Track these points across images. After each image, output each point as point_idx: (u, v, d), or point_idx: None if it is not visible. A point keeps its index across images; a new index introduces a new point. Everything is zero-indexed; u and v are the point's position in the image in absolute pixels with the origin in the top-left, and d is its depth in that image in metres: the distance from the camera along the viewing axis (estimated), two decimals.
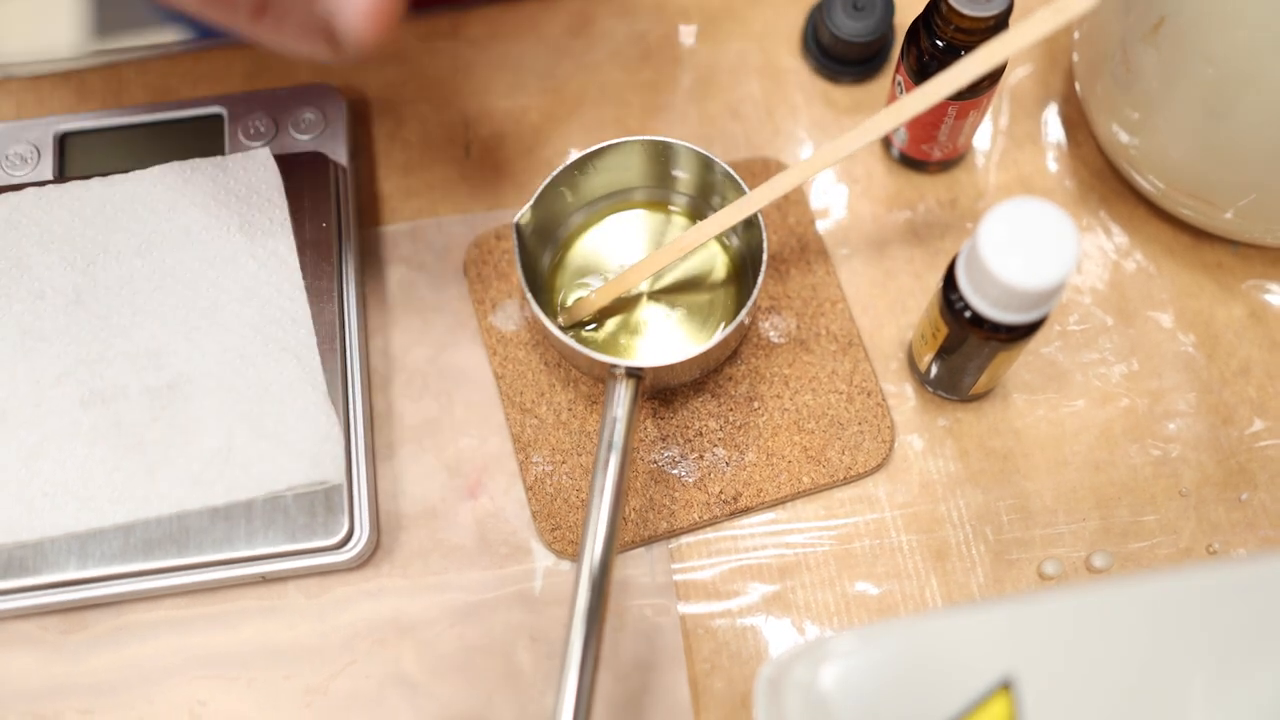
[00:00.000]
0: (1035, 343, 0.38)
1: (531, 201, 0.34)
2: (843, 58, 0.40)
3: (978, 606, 0.27)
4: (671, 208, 0.38)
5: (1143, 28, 0.33)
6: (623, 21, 0.42)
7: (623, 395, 0.32)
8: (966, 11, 0.32)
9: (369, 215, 0.40)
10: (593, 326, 0.37)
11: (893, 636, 0.26)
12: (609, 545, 0.30)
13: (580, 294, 0.37)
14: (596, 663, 0.29)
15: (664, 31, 0.42)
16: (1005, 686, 0.24)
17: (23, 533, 0.33)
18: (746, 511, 0.36)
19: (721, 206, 0.36)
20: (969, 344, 0.32)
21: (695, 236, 0.34)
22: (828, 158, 0.31)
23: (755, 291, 0.33)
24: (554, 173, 0.35)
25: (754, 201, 0.33)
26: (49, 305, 0.35)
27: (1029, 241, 0.28)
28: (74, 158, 0.39)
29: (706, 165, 0.35)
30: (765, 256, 0.33)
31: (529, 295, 0.33)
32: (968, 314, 0.31)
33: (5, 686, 0.33)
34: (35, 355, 0.34)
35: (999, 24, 0.33)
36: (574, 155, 0.35)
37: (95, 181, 0.37)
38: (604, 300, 0.35)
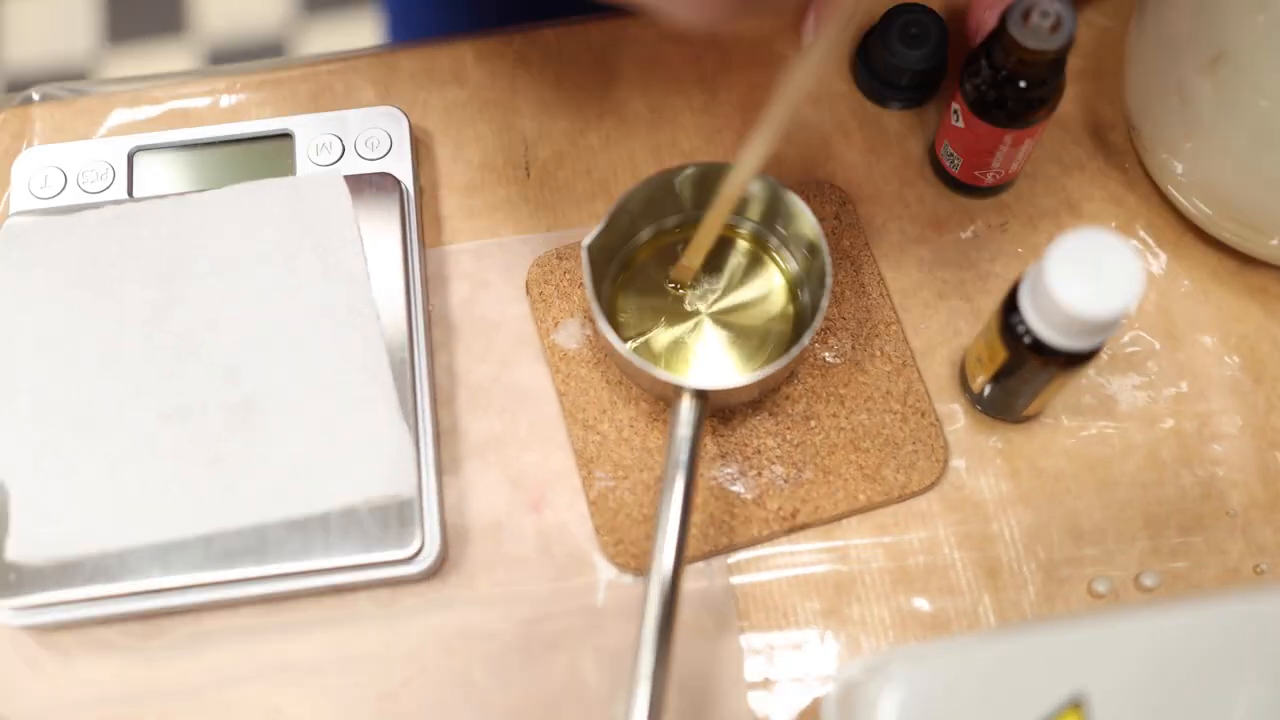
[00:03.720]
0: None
1: (602, 225, 0.35)
2: (895, 83, 0.41)
3: (1046, 626, 0.28)
4: (732, 230, 0.39)
5: (1200, 61, 0.34)
6: (677, 46, 0.43)
7: (689, 415, 0.33)
8: (1029, 45, 0.33)
9: (433, 235, 0.41)
10: (640, 341, 0.37)
11: (964, 654, 0.27)
12: (678, 561, 0.31)
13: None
14: (666, 676, 0.30)
15: (718, 55, 0.43)
16: (1076, 705, 0.25)
17: (107, 542, 0.34)
18: (804, 528, 0.37)
19: (785, 231, 0.37)
20: (1027, 368, 0.33)
21: (733, 186, 0.33)
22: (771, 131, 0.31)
23: (819, 315, 0.34)
24: (622, 196, 0.36)
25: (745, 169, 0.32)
26: (128, 322, 0.36)
27: (1094, 271, 0.29)
28: (147, 175, 0.40)
29: (770, 189, 0.36)
30: (829, 283, 0.34)
31: (600, 317, 0.34)
32: (1028, 339, 0.32)
33: (87, 690, 0.34)
34: (116, 371, 0.36)
35: (1060, 57, 0.34)
36: (639, 179, 0.36)
37: (171, 200, 0.38)
38: (696, 260, 0.36)
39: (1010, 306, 0.33)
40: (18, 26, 1.10)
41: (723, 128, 0.42)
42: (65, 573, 0.33)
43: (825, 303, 0.34)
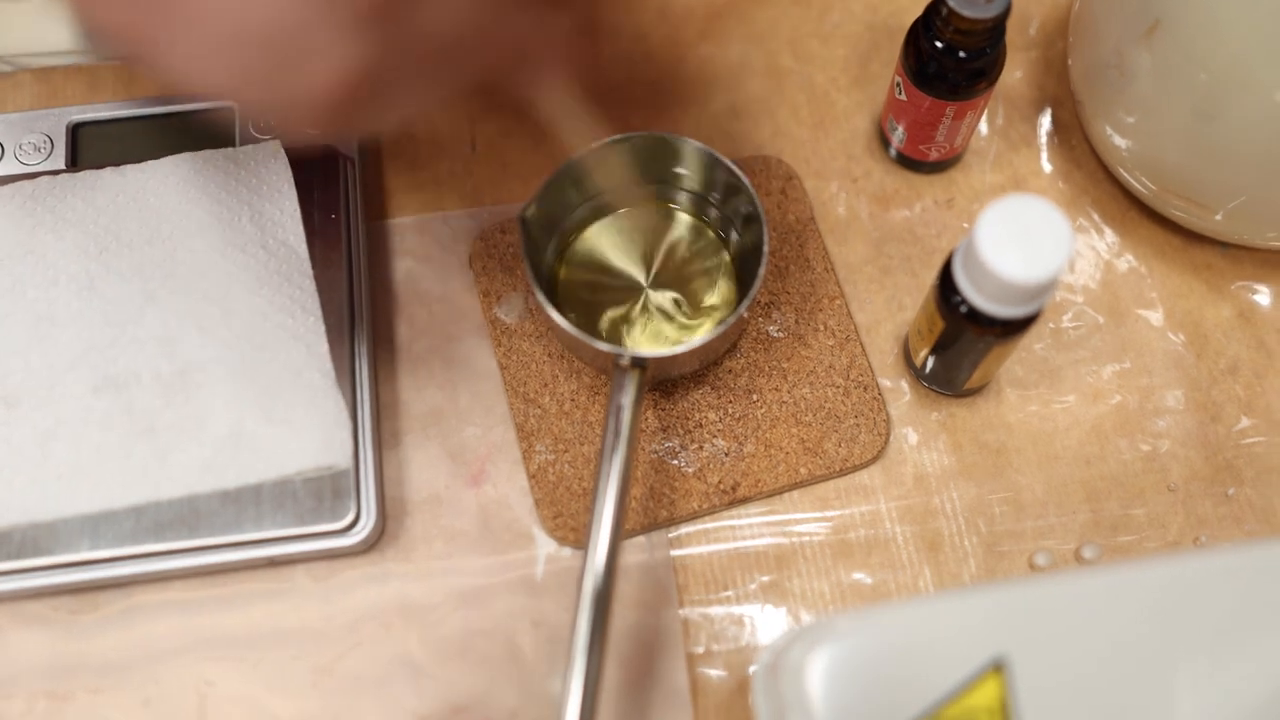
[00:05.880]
0: (1028, 340, 0.39)
1: (536, 195, 0.35)
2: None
3: (970, 590, 0.28)
4: (673, 204, 0.39)
5: (1137, 31, 0.34)
6: (626, 20, 0.43)
7: (628, 385, 0.33)
8: (966, 14, 0.33)
9: (376, 208, 0.40)
10: (581, 314, 0.37)
11: (887, 619, 0.27)
12: (616, 532, 0.31)
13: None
14: (604, 648, 0.30)
15: (667, 31, 0.43)
16: (997, 667, 0.25)
17: (36, 513, 0.33)
18: (744, 501, 0.36)
19: (725, 204, 0.37)
20: (964, 339, 0.33)
21: None
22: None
23: (756, 284, 0.34)
24: (559, 168, 0.35)
25: None
26: (62, 292, 0.36)
27: (1024, 237, 0.29)
28: (87, 148, 0.40)
29: (710, 161, 0.36)
30: (765, 251, 0.34)
31: (536, 287, 0.34)
32: (964, 309, 0.32)
33: (16, 665, 0.34)
34: (49, 341, 0.35)
35: (997, 26, 0.33)
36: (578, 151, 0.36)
37: (108, 171, 0.38)
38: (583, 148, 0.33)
39: (946, 276, 0.32)
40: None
41: (671, 104, 0.42)
42: None
43: (763, 271, 0.34)
